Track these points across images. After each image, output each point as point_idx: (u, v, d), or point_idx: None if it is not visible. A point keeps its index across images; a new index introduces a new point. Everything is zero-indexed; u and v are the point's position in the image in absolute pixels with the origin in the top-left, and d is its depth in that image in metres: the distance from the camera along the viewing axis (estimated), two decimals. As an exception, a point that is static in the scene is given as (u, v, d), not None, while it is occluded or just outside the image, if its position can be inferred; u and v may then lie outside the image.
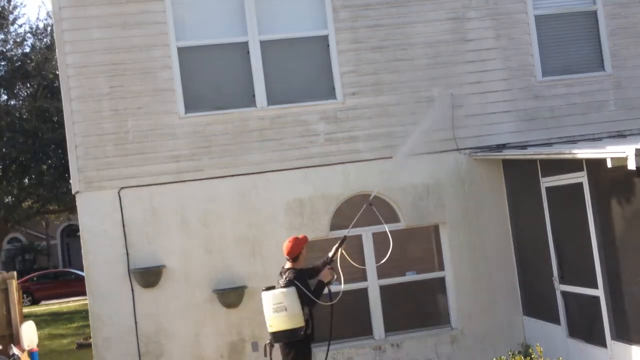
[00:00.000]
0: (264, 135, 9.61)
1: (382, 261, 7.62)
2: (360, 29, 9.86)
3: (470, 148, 9.89)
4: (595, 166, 7.69)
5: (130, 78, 9.42)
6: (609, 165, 6.78)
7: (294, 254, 7.44)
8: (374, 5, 9.90)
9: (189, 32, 9.63)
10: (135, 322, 9.22)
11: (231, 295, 9.28)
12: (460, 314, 9.79)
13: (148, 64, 9.46)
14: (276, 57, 9.73)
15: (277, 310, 7.14)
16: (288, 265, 7.50)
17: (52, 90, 23.42)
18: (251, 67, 9.63)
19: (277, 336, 7.21)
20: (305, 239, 7.64)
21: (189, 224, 9.40)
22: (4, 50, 24.09)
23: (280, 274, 7.50)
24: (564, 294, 8.75)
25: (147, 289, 9.24)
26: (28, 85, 24.18)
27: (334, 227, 9.64)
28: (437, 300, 10.00)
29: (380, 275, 9.71)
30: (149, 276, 9.21)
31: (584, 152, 7.49)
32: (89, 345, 11.88)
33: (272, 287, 7.33)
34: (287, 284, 7.23)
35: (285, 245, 7.55)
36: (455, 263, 9.83)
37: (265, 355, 7.32)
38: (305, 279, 7.32)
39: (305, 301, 7.17)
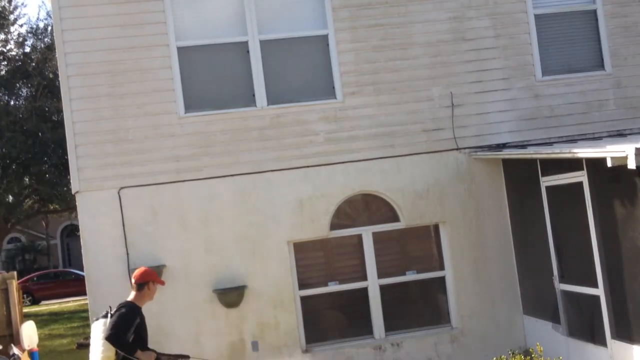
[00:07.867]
0: (264, 135, 9.61)
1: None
2: (360, 28, 9.86)
3: (470, 147, 9.89)
4: (595, 165, 7.69)
5: (130, 78, 9.43)
6: (609, 164, 6.78)
7: (140, 280, 6.79)
8: (374, 4, 9.90)
9: (189, 32, 9.63)
10: (136, 322, 9.21)
11: (231, 295, 9.29)
12: (461, 313, 9.79)
13: (148, 63, 9.47)
14: (276, 56, 9.73)
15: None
16: (130, 296, 6.84)
17: (52, 90, 23.45)
18: (251, 66, 9.64)
19: None
20: (156, 276, 6.96)
21: (189, 223, 9.40)
22: (5, 50, 24.12)
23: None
24: (564, 293, 8.75)
25: (147, 288, 9.22)
26: (28, 85, 24.21)
27: (334, 226, 9.65)
28: (438, 299, 10.00)
29: (380, 275, 9.71)
30: (149, 276, 9.19)
31: (583, 152, 7.48)
32: (89, 345, 11.88)
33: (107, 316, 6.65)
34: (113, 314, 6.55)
35: (136, 272, 6.96)
36: (455, 262, 9.84)
37: None
38: (133, 316, 6.58)
39: (107, 330, 6.45)
